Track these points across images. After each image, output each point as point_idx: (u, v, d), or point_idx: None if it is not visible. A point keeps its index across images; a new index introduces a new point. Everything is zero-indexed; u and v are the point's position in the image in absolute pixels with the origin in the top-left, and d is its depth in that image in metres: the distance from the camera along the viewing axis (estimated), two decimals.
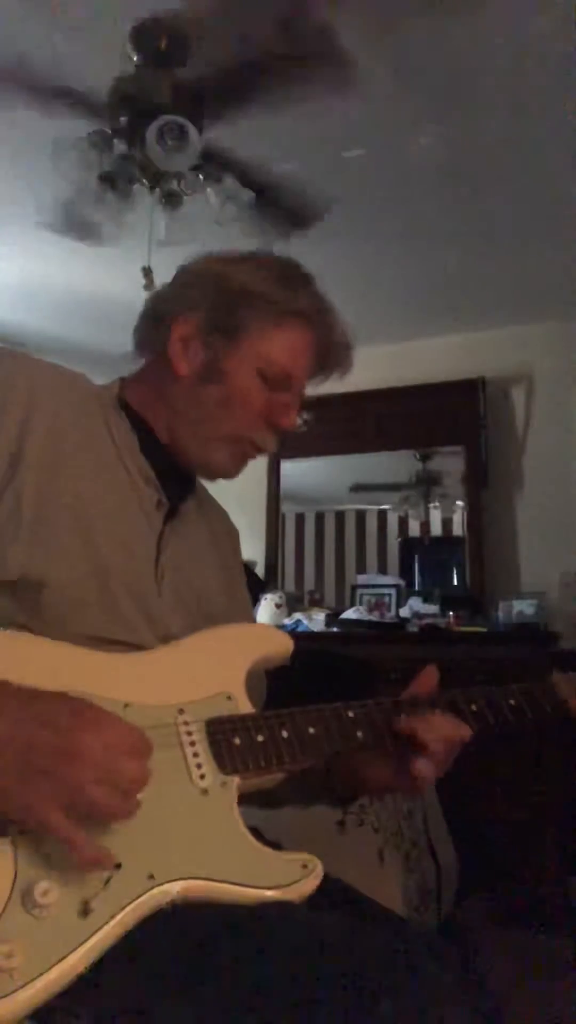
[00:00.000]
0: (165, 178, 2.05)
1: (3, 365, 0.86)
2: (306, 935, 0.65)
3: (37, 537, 0.77)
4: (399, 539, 3.72)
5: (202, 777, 0.72)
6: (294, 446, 3.52)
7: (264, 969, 0.61)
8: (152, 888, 0.65)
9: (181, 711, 0.76)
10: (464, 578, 3.37)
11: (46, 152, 2.00)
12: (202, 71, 1.94)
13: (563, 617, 3.00)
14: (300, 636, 3.06)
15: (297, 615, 3.36)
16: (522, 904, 2.27)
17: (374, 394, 3.46)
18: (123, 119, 1.98)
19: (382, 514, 3.75)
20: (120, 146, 2.03)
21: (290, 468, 3.71)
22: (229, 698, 0.79)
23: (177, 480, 0.94)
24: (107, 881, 0.63)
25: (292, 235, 2.37)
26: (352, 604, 3.48)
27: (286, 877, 0.69)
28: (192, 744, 0.74)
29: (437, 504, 3.62)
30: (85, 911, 0.62)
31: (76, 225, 2.36)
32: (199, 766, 0.73)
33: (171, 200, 2.10)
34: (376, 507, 3.76)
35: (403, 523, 3.71)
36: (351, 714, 0.83)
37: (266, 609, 3.33)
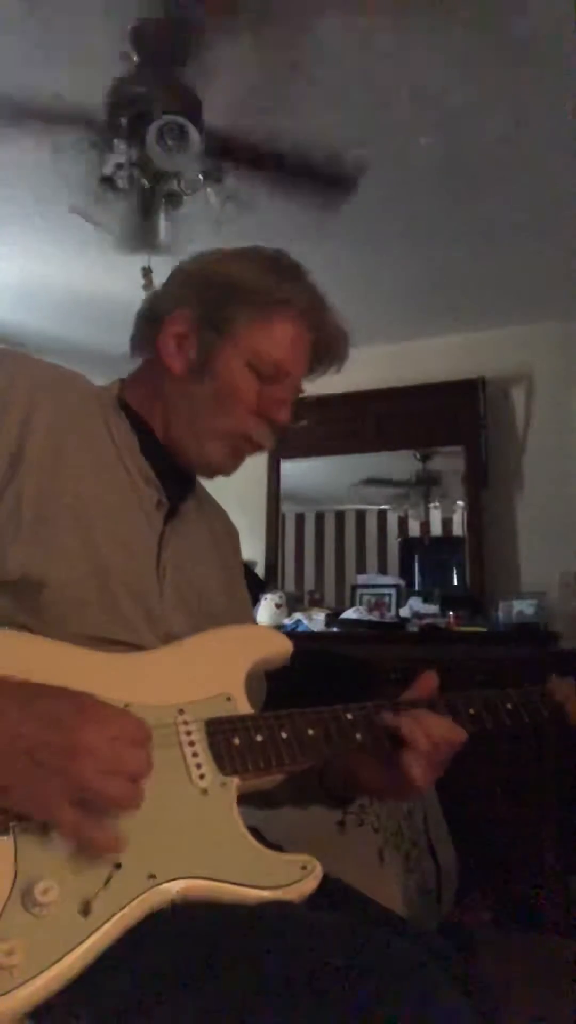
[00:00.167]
0: (165, 178, 2.05)
1: (3, 365, 0.86)
2: (306, 935, 0.65)
3: (37, 537, 0.77)
4: (399, 539, 3.72)
5: (202, 777, 0.73)
6: (294, 446, 3.52)
7: (264, 969, 0.61)
8: (152, 887, 0.65)
9: (181, 711, 0.76)
10: (464, 578, 3.37)
11: (46, 152, 2.00)
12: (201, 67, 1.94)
13: (563, 617, 3.00)
14: (300, 636, 3.07)
15: (297, 615, 3.36)
16: (522, 904, 2.27)
17: (374, 394, 3.46)
18: (123, 119, 1.98)
19: (382, 514, 3.75)
20: (120, 146, 2.03)
21: (290, 468, 3.71)
22: (229, 699, 0.79)
23: (177, 480, 0.94)
24: (107, 880, 0.64)
25: (332, 207, 2.28)
26: (352, 604, 3.48)
27: (286, 877, 0.69)
28: (192, 744, 0.74)
29: (437, 504, 3.62)
30: (85, 910, 0.62)
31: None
32: (199, 766, 0.73)
33: (171, 200, 2.11)
34: (376, 507, 3.76)
35: (403, 523, 3.71)
36: (350, 716, 0.83)
37: (266, 609, 3.33)
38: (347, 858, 1.44)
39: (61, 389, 0.87)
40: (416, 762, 0.81)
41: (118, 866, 0.64)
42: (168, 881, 0.66)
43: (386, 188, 2.43)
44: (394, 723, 0.82)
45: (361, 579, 3.62)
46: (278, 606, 3.35)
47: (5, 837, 0.63)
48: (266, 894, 0.68)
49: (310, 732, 0.80)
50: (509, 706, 0.90)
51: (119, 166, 2.05)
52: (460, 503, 3.49)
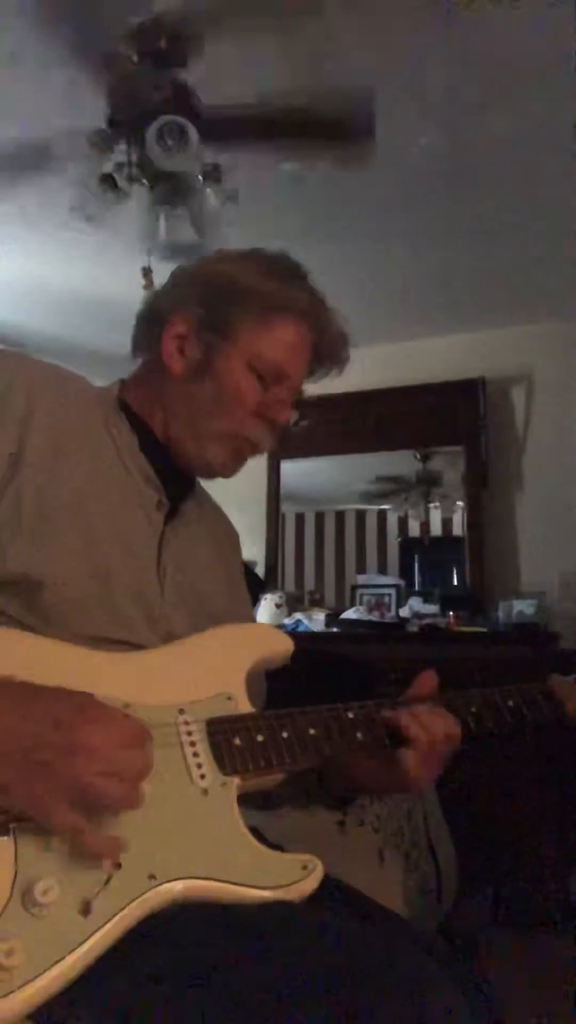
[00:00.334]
0: (165, 178, 2.05)
1: (3, 365, 0.86)
2: (306, 935, 0.65)
3: (38, 536, 0.77)
4: (399, 539, 3.72)
5: (202, 777, 0.73)
6: (294, 446, 3.52)
7: (264, 969, 0.61)
8: (152, 888, 0.65)
9: (181, 711, 0.76)
10: (464, 578, 3.37)
11: (46, 152, 2.00)
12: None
13: (563, 617, 3.00)
14: (300, 636, 3.07)
15: (297, 615, 3.36)
16: (522, 904, 2.27)
17: (374, 394, 3.46)
18: (123, 119, 1.98)
19: (382, 514, 3.75)
20: (120, 146, 2.03)
21: (290, 468, 3.71)
22: (229, 698, 0.79)
23: (177, 480, 0.94)
24: (107, 880, 0.64)
25: (357, 157, 2.17)
26: (352, 604, 3.48)
27: (286, 877, 0.69)
28: (192, 744, 0.74)
29: (437, 504, 3.62)
30: (86, 910, 0.62)
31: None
32: (199, 766, 0.73)
33: (171, 200, 2.10)
34: (376, 507, 3.76)
35: (403, 523, 3.71)
36: (351, 715, 0.83)
37: (266, 609, 3.33)
38: (347, 858, 1.44)
39: (61, 389, 0.87)
40: (415, 758, 0.81)
41: (118, 866, 0.64)
42: (168, 881, 0.66)
43: (386, 188, 2.43)
44: (393, 719, 0.82)
45: (361, 579, 3.62)
46: (278, 606, 3.35)
47: (5, 837, 0.63)
48: (267, 894, 0.68)
49: (311, 731, 0.80)
50: (511, 704, 0.91)
51: (119, 166, 2.05)
52: (460, 503, 3.49)
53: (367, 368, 3.30)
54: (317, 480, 3.87)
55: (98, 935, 0.61)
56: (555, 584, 3.08)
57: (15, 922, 0.60)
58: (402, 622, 3.21)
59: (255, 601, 3.25)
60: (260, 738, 0.77)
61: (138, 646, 0.80)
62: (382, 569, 3.67)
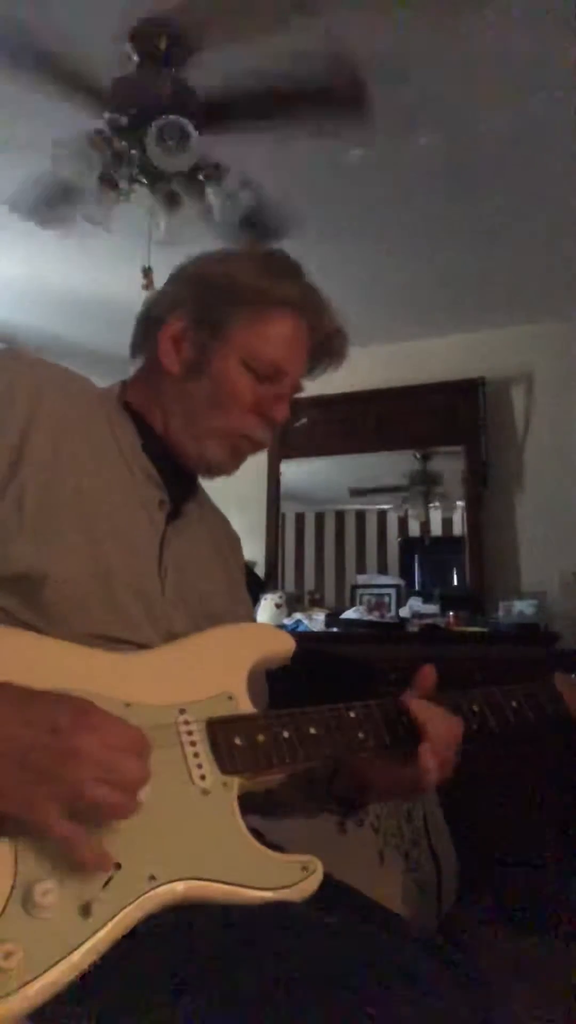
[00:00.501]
0: (165, 178, 2.05)
1: (7, 364, 0.86)
2: (306, 936, 0.65)
3: (40, 534, 0.77)
4: (399, 539, 3.72)
5: (203, 777, 0.72)
6: (294, 446, 3.52)
7: (264, 969, 0.61)
8: (153, 889, 0.65)
9: (182, 711, 0.76)
10: (464, 578, 3.37)
11: (47, 152, 2.00)
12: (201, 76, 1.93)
13: (563, 617, 3.00)
14: (300, 636, 3.07)
15: (297, 615, 3.36)
16: (522, 904, 2.26)
17: (374, 394, 3.47)
18: (123, 119, 1.98)
19: (382, 514, 3.75)
20: (120, 146, 2.03)
21: (290, 468, 3.71)
22: (230, 698, 0.79)
23: (179, 481, 0.94)
24: (108, 881, 0.63)
25: (355, 124, 2.10)
26: (352, 604, 3.48)
27: (287, 878, 0.69)
28: (193, 744, 0.74)
29: (437, 504, 3.62)
30: (85, 911, 0.62)
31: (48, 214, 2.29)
32: (199, 766, 0.73)
33: (171, 200, 2.10)
34: (376, 507, 3.76)
35: (403, 523, 3.71)
36: (352, 714, 0.83)
37: (266, 609, 3.33)
38: (347, 858, 1.44)
39: (64, 388, 0.87)
40: (431, 753, 0.80)
41: (118, 867, 0.64)
42: (169, 882, 0.65)
43: (386, 188, 2.43)
44: (412, 714, 0.82)
45: (361, 579, 3.63)
46: (278, 606, 3.35)
47: (5, 838, 0.63)
48: (267, 895, 0.68)
49: (312, 731, 0.79)
50: (514, 703, 0.90)
51: (119, 166, 2.05)
52: (460, 503, 3.49)
53: (367, 368, 3.32)
54: (317, 480, 3.87)
55: (98, 936, 0.61)
56: (555, 584, 3.08)
57: (15, 923, 0.60)
58: (402, 622, 3.21)
59: (255, 601, 3.25)
60: (261, 738, 0.76)
61: (139, 645, 0.80)
62: (382, 569, 3.68)
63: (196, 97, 1.94)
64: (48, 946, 0.59)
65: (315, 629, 3.26)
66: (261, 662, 0.85)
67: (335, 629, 3.26)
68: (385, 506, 3.74)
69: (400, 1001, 0.59)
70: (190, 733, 0.74)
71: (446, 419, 3.45)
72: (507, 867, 2.39)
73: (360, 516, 3.79)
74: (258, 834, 0.75)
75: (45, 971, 0.58)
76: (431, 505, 3.63)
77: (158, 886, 0.65)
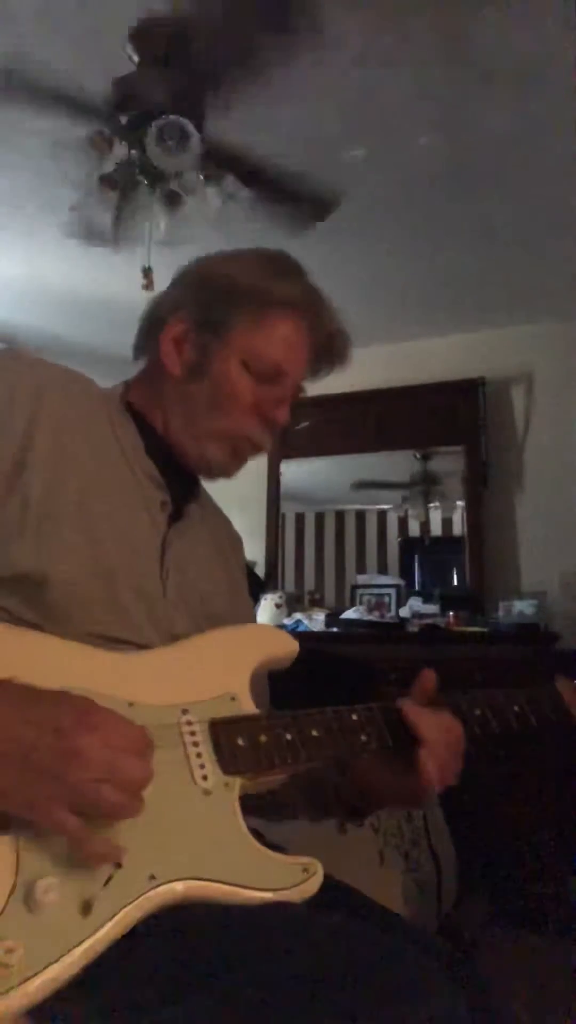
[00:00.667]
0: (165, 178, 2.05)
1: (8, 365, 0.86)
2: (306, 936, 0.65)
3: (43, 535, 0.77)
4: (399, 539, 3.72)
5: (204, 778, 0.72)
6: (294, 446, 3.52)
7: (264, 969, 0.61)
8: (153, 888, 0.65)
9: (185, 711, 0.76)
10: (464, 578, 3.37)
11: (47, 152, 2.00)
12: (202, 67, 1.94)
13: (563, 617, 3.00)
14: (300, 636, 3.06)
15: (297, 615, 3.36)
16: (522, 904, 2.27)
17: (374, 394, 3.46)
18: (123, 119, 1.98)
19: (382, 514, 3.75)
20: (120, 146, 2.03)
21: (290, 468, 3.71)
22: (233, 699, 0.79)
23: (182, 482, 0.94)
24: (108, 880, 0.63)
25: (301, 232, 2.33)
26: (352, 604, 3.48)
27: (287, 879, 0.69)
28: (195, 744, 0.74)
29: (437, 504, 3.62)
30: (86, 910, 0.62)
31: (87, 230, 2.33)
32: (201, 767, 0.73)
33: (171, 200, 2.11)
34: (376, 507, 3.76)
35: (403, 523, 3.71)
36: (354, 716, 0.83)
37: (266, 609, 3.33)
38: (347, 858, 1.43)
39: (67, 389, 0.87)
40: (430, 759, 0.80)
41: (119, 866, 0.64)
42: (169, 882, 0.65)
43: (386, 188, 2.43)
44: (408, 720, 0.82)
45: (361, 579, 3.62)
46: (278, 606, 3.35)
47: (7, 836, 0.63)
48: (268, 895, 0.68)
49: (314, 733, 0.79)
50: (516, 707, 0.90)
51: (119, 165, 2.05)
52: (460, 503, 3.49)
53: (367, 368, 3.31)
54: (317, 480, 3.87)
55: (98, 934, 0.61)
56: (555, 584, 3.08)
57: (16, 920, 0.60)
58: (402, 622, 3.21)
59: (255, 601, 3.25)
60: (263, 739, 0.76)
61: (140, 646, 0.80)
62: (382, 569, 3.68)
63: (197, 103, 1.95)
64: (49, 943, 0.60)
65: (315, 629, 3.25)
66: (264, 664, 0.85)
67: (335, 629, 3.26)
68: (385, 506, 3.74)
69: (400, 1001, 0.59)
70: (192, 733, 0.75)
71: (446, 419, 3.45)
72: (507, 867, 2.39)
73: (360, 516, 3.79)
74: (258, 834, 0.75)
75: (45, 968, 0.58)
76: (431, 505, 3.63)
77: (158, 885, 0.65)
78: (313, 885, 0.70)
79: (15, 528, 0.77)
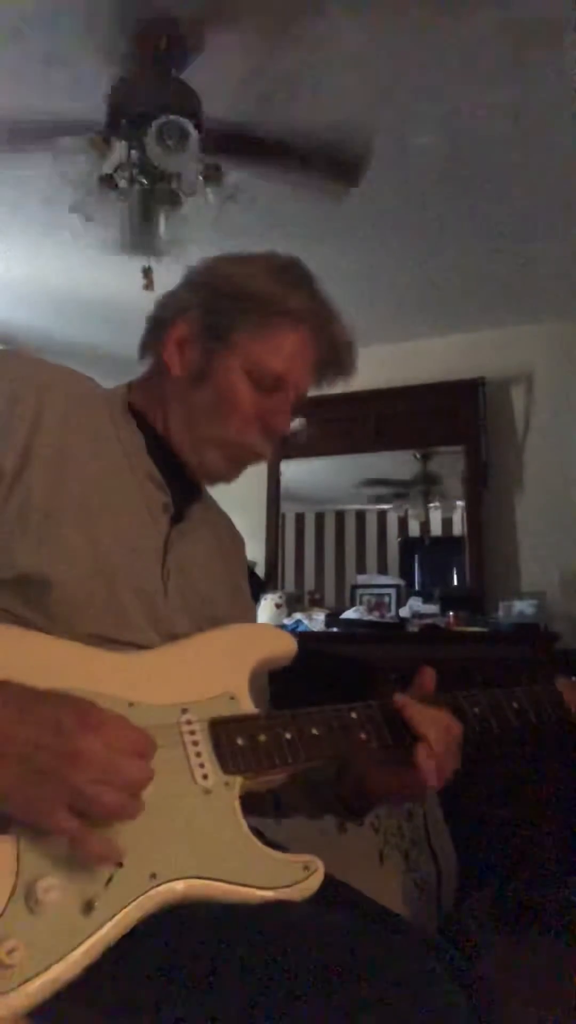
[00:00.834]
0: (165, 178, 2.05)
1: (12, 366, 0.86)
2: (306, 935, 0.65)
3: (45, 536, 0.77)
4: (399, 539, 3.72)
5: (204, 777, 0.72)
6: (294, 446, 3.52)
7: (265, 969, 0.61)
8: (154, 887, 0.65)
9: (184, 711, 0.76)
10: (464, 578, 3.37)
11: (47, 153, 2.00)
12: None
13: (563, 617, 3.00)
14: (300, 636, 3.07)
15: (297, 615, 3.36)
16: (522, 904, 2.26)
17: (374, 394, 3.46)
18: (123, 119, 1.98)
19: (382, 514, 3.75)
20: (120, 146, 2.03)
21: (290, 468, 3.71)
22: (232, 698, 0.79)
23: (184, 484, 0.94)
24: (109, 880, 0.63)
25: (335, 195, 2.24)
26: (352, 604, 3.48)
27: (288, 878, 0.69)
28: (195, 744, 0.74)
29: (437, 504, 3.63)
30: (87, 909, 0.62)
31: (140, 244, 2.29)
32: (201, 766, 0.73)
33: (171, 200, 2.10)
34: (376, 507, 3.76)
35: (403, 523, 3.71)
36: (354, 715, 0.83)
37: (266, 609, 3.33)
38: (347, 858, 1.43)
39: (70, 390, 0.87)
40: (428, 756, 0.80)
41: (120, 865, 0.64)
42: (170, 881, 0.65)
43: (386, 188, 2.43)
44: (406, 716, 0.82)
45: (361, 579, 3.62)
46: (278, 606, 3.35)
47: (8, 836, 0.63)
48: (268, 894, 0.68)
49: (314, 731, 0.80)
50: (515, 706, 0.90)
51: (119, 166, 2.05)
52: (460, 503, 3.49)
53: (367, 368, 3.28)
54: (317, 480, 3.87)
55: (99, 934, 0.61)
56: (555, 584, 3.08)
57: (17, 920, 0.60)
58: (402, 622, 3.21)
59: (255, 601, 3.25)
60: (263, 738, 0.76)
61: (140, 646, 0.80)
62: (382, 569, 3.68)
63: (197, 103, 1.94)
64: (50, 943, 0.60)
65: (315, 629, 3.26)
66: (263, 663, 0.85)
67: (335, 629, 3.26)
68: (385, 506, 3.74)
69: (401, 1001, 0.59)
70: (192, 733, 0.75)
71: (446, 419, 3.45)
72: (507, 867, 2.39)
73: (360, 516, 3.79)
74: (258, 833, 0.75)
75: (47, 968, 0.58)
76: (431, 505, 3.63)
77: (159, 884, 0.65)
78: (314, 883, 0.70)
79: (17, 529, 0.76)
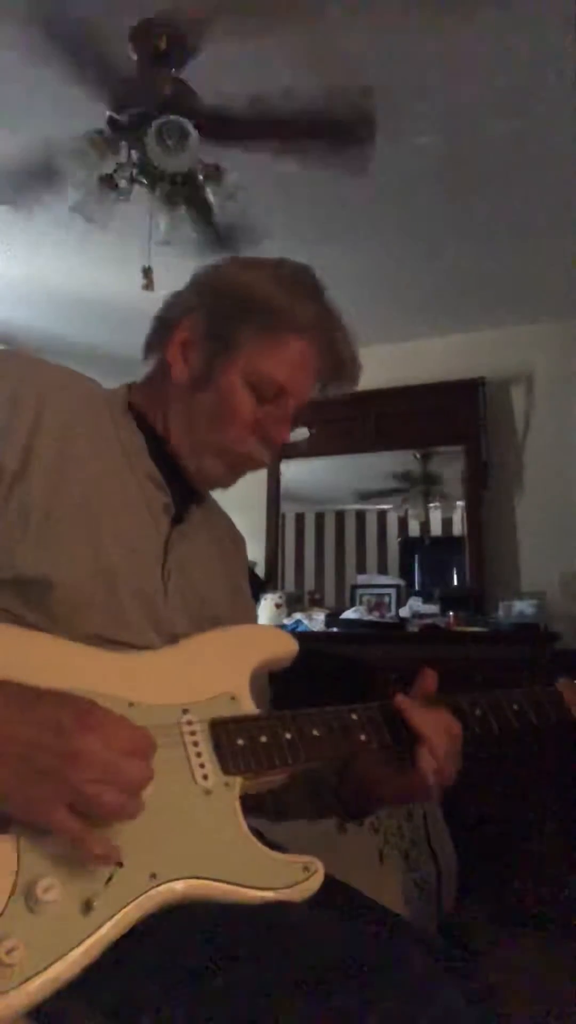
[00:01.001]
0: (165, 178, 2.05)
1: (13, 366, 0.86)
2: (307, 935, 0.65)
3: (45, 537, 0.77)
4: (399, 539, 3.72)
5: (205, 777, 0.72)
6: (294, 446, 3.51)
7: (265, 969, 0.61)
8: (154, 887, 0.65)
9: (185, 711, 0.76)
10: (464, 578, 3.37)
11: (46, 152, 2.00)
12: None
13: (563, 617, 3.00)
14: (300, 636, 3.06)
15: (297, 615, 3.36)
16: (522, 904, 2.27)
17: (374, 394, 3.45)
18: (123, 119, 1.98)
19: (382, 514, 3.75)
20: (120, 146, 2.03)
21: (290, 468, 3.71)
22: (233, 699, 0.79)
23: (184, 484, 0.93)
24: (109, 879, 0.64)
25: (355, 163, 2.17)
26: (352, 604, 3.48)
27: (288, 878, 0.69)
28: (195, 744, 0.74)
29: (437, 504, 3.63)
30: (87, 909, 0.62)
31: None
32: (202, 766, 0.73)
33: (171, 200, 2.11)
34: (376, 507, 3.76)
35: (403, 523, 3.71)
36: (354, 716, 0.83)
37: (266, 609, 3.33)
38: (347, 858, 1.43)
39: (70, 390, 0.87)
40: (428, 757, 0.80)
41: (120, 865, 0.64)
42: (169, 881, 0.65)
43: (386, 188, 2.43)
44: (407, 717, 0.82)
45: (361, 579, 3.62)
46: (278, 606, 3.35)
47: (7, 836, 0.63)
48: (268, 895, 0.68)
49: (314, 732, 0.80)
50: (516, 707, 0.90)
51: (119, 166, 2.05)
52: (460, 503, 3.49)
53: (367, 368, 3.28)
54: (317, 480, 3.87)
55: (99, 933, 0.61)
56: (555, 584, 3.08)
57: (17, 920, 0.60)
58: (402, 622, 3.21)
59: (255, 601, 3.25)
60: (263, 739, 0.76)
61: (141, 647, 0.80)
62: (382, 569, 3.68)
63: (197, 101, 1.94)
64: (49, 942, 0.60)
65: (315, 629, 3.25)
66: (264, 664, 0.85)
67: (335, 629, 3.26)
68: (385, 506, 3.74)
69: (401, 1001, 0.59)
70: (193, 733, 0.75)
71: (446, 419, 3.45)
72: (507, 867, 2.39)
73: (360, 516, 3.79)
74: (258, 833, 0.75)
75: (46, 967, 0.58)
76: (431, 505, 3.63)
77: (159, 884, 0.65)
78: (314, 884, 0.70)
79: (17, 530, 0.76)
